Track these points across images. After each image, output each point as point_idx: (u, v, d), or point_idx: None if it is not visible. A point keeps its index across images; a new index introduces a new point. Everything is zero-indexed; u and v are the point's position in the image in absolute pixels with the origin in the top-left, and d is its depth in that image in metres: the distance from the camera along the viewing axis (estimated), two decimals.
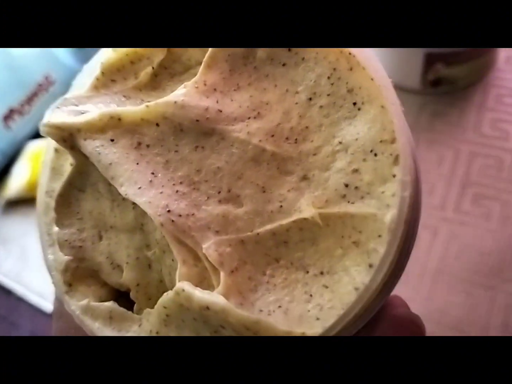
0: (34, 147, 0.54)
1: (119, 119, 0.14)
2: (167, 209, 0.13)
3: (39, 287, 0.49)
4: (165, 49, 0.15)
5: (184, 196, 0.14)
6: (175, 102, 0.14)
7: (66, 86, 0.59)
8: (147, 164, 0.14)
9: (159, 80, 0.16)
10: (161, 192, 0.14)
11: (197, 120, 0.14)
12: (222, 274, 0.13)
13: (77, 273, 0.15)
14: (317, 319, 0.14)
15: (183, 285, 0.13)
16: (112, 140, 0.14)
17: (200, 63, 0.15)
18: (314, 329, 0.13)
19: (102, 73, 0.15)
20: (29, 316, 0.48)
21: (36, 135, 0.58)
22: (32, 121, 0.56)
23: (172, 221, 0.13)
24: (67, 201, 0.15)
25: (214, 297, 0.13)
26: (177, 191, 0.14)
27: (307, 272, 0.14)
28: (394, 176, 0.14)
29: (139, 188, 0.14)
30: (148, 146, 0.14)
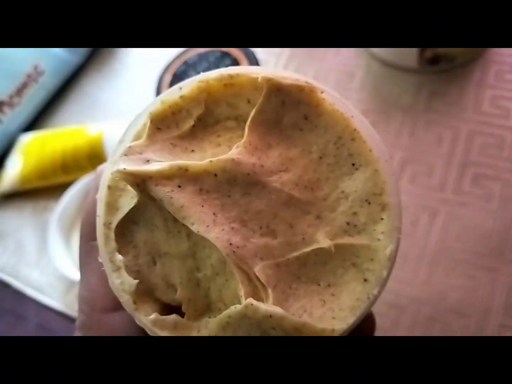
0: (26, 139, 0.53)
1: (186, 169, 0.17)
2: (230, 243, 0.17)
3: (36, 281, 0.48)
4: (203, 103, 0.19)
5: (238, 231, 0.18)
6: (233, 159, 0.18)
7: (56, 76, 0.58)
8: (209, 207, 0.18)
9: (196, 130, 0.19)
10: (222, 229, 0.17)
11: (248, 174, 0.18)
12: (269, 290, 0.17)
13: (138, 293, 0.18)
14: (333, 318, 0.18)
15: (251, 301, 0.17)
16: (179, 186, 0.17)
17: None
18: (338, 326, 0.18)
19: (151, 122, 0.18)
20: (35, 309, 0.48)
21: (28, 127, 0.58)
22: (23, 113, 0.55)
23: (234, 252, 0.17)
24: (122, 232, 0.18)
25: (275, 308, 0.17)
26: (232, 228, 0.18)
27: (319, 285, 0.19)
28: (382, 219, 0.18)
29: (207, 226, 0.17)
30: (207, 191, 0.18)
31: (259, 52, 0.54)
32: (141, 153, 0.18)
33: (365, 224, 0.18)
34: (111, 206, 0.19)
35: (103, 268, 0.19)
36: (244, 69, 0.19)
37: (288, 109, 0.19)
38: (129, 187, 0.18)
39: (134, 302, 0.18)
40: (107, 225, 0.18)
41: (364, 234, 0.18)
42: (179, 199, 0.17)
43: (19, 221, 0.52)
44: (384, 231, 0.18)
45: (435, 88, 0.46)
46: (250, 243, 0.18)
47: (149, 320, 0.18)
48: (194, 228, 0.17)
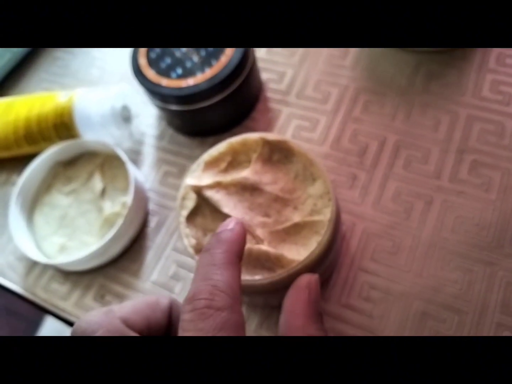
0: None
1: (220, 183, 0.31)
2: (243, 218, 0.30)
3: None
4: (231, 155, 0.33)
5: (248, 213, 0.30)
6: (243, 177, 0.31)
7: None
8: (232, 201, 0.31)
9: (227, 168, 0.33)
10: (239, 212, 0.30)
11: (252, 184, 0.31)
12: (265, 243, 0.30)
13: (196, 250, 0.30)
14: (299, 255, 0.30)
15: (251, 244, 0.30)
16: (217, 191, 0.31)
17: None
18: (301, 258, 0.29)
19: (204, 165, 0.32)
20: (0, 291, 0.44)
21: None
22: None
23: (244, 223, 0.29)
24: (189, 220, 0.31)
25: (263, 246, 0.30)
26: (245, 212, 0.30)
27: (297, 244, 0.30)
28: (328, 206, 0.30)
29: (231, 209, 0.30)
30: (231, 194, 0.31)
31: None
32: (198, 177, 0.32)
33: (321, 209, 0.31)
34: (182, 207, 0.32)
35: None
36: (249, 135, 0.33)
37: (275, 152, 0.33)
38: (191, 196, 0.32)
39: (194, 252, 0.30)
40: (181, 215, 0.31)
41: (320, 215, 0.30)
42: (216, 197, 0.31)
43: None
44: (331, 213, 0.30)
45: (433, 69, 0.43)
46: (255, 219, 0.30)
47: None
48: (224, 210, 0.30)
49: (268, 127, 0.44)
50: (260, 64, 0.47)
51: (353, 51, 0.46)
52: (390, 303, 0.35)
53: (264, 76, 0.47)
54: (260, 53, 0.48)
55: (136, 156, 0.46)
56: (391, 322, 0.34)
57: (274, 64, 0.47)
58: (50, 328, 1.10)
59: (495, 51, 0.43)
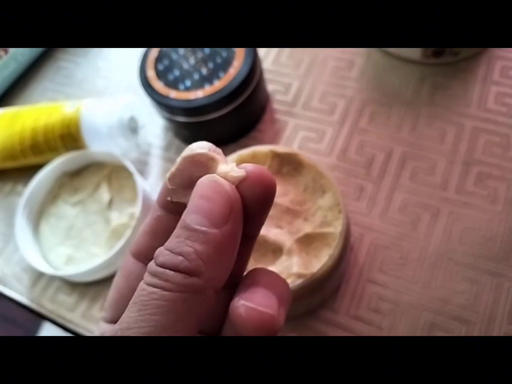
0: None
1: None
2: None
3: None
4: None
5: None
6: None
7: (29, 48, 0.53)
8: None
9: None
10: None
11: None
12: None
13: None
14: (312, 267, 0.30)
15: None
16: None
17: None
18: (315, 270, 0.30)
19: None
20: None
21: None
22: None
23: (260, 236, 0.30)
24: None
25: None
26: None
27: (308, 254, 0.31)
28: (339, 219, 0.31)
29: None
30: None
31: None
32: None
33: (331, 221, 0.31)
34: None
35: None
36: (259, 147, 0.33)
37: (285, 164, 0.33)
38: None
39: None
40: None
41: (330, 227, 0.31)
42: None
43: None
44: (341, 225, 0.30)
45: (438, 81, 0.44)
46: (270, 232, 0.31)
47: None
48: None
49: (274, 139, 0.44)
50: (266, 76, 0.47)
51: (358, 62, 0.46)
52: (398, 314, 0.35)
53: (270, 87, 0.47)
54: (266, 64, 0.48)
55: (142, 166, 0.46)
56: (399, 333, 0.34)
57: (280, 75, 0.48)
58: (47, 335, 1.10)
59: (499, 63, 0.44)
